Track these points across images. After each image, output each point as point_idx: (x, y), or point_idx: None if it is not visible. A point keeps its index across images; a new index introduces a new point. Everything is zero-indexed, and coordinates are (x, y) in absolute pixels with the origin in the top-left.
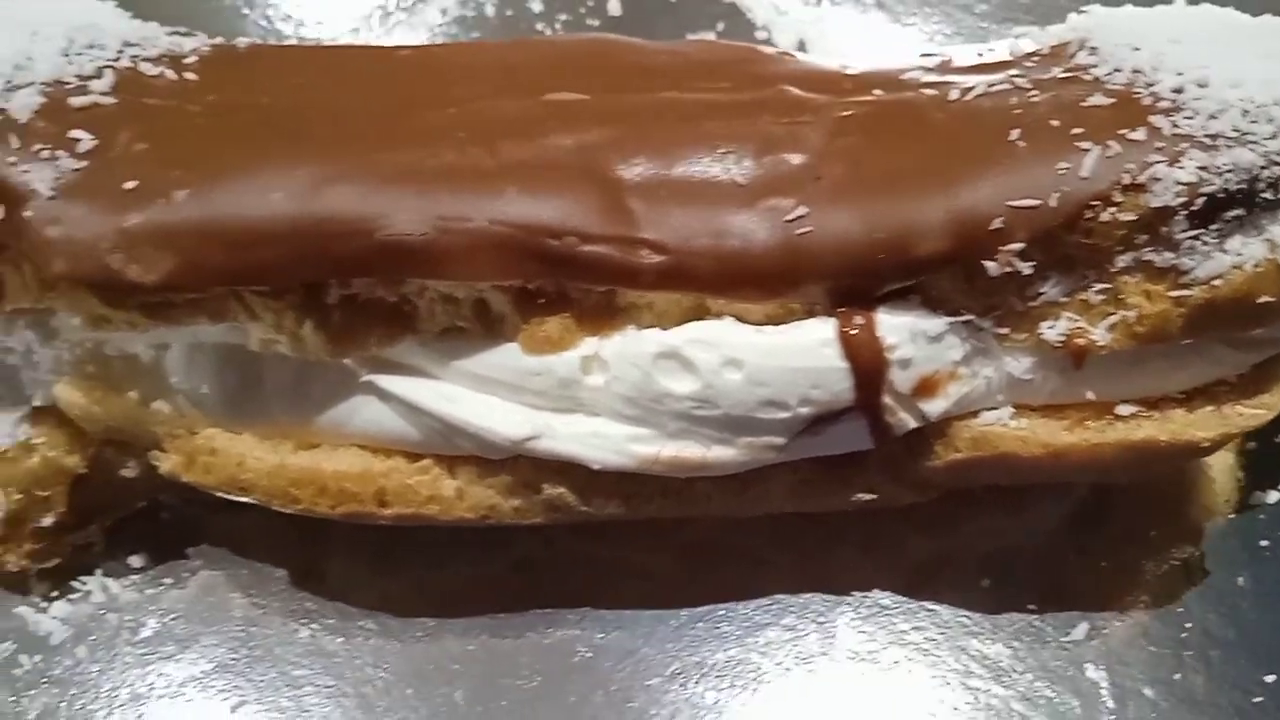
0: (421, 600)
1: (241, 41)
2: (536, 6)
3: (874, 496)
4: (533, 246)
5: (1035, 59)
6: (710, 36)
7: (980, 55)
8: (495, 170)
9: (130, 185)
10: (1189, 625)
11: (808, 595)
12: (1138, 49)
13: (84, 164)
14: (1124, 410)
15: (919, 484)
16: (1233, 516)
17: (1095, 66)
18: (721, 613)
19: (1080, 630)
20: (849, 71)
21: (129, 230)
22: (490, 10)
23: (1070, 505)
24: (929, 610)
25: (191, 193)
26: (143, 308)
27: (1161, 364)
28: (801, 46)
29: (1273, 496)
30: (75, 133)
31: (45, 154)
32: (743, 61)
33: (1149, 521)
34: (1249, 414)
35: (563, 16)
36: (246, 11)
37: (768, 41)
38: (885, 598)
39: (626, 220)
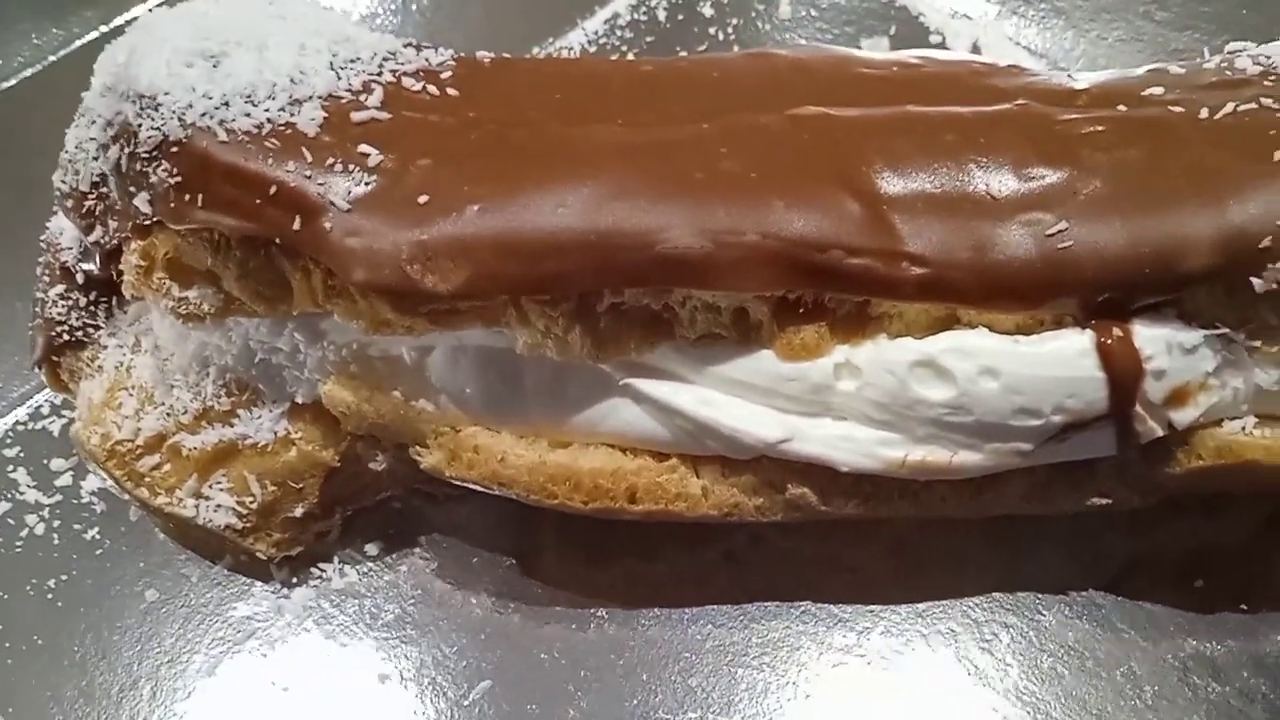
0: (636, 591)
1: (482, 55)
2: (707, 11)
3: (1108, 501)
4: (800, 259)
5: (1271, 79)
6: (883, 40)
7: (1207, 74)
8: (760, 184)
9: (423, 199)
10: None
11: (1023, 594)
12: None
13: (375, 178)
14: None
15: (1149, 489)
16: None
17: None
18: (939, 610)
19: None
20: (1079, 87)
21: (426, 242)
22: (662, 14)
23: (1269, 508)
24: (1143, 608)
25: (483, 207)
26: (429, 314)
27: None
28: (976, 50)
29: None
30: (362, 147)
31: (338, 167)
32: (974, 74)
33: None
34: None
35: (734, 20)
36: None
37: (941, 45)
38: (1099, 596)
39: (888, 233)
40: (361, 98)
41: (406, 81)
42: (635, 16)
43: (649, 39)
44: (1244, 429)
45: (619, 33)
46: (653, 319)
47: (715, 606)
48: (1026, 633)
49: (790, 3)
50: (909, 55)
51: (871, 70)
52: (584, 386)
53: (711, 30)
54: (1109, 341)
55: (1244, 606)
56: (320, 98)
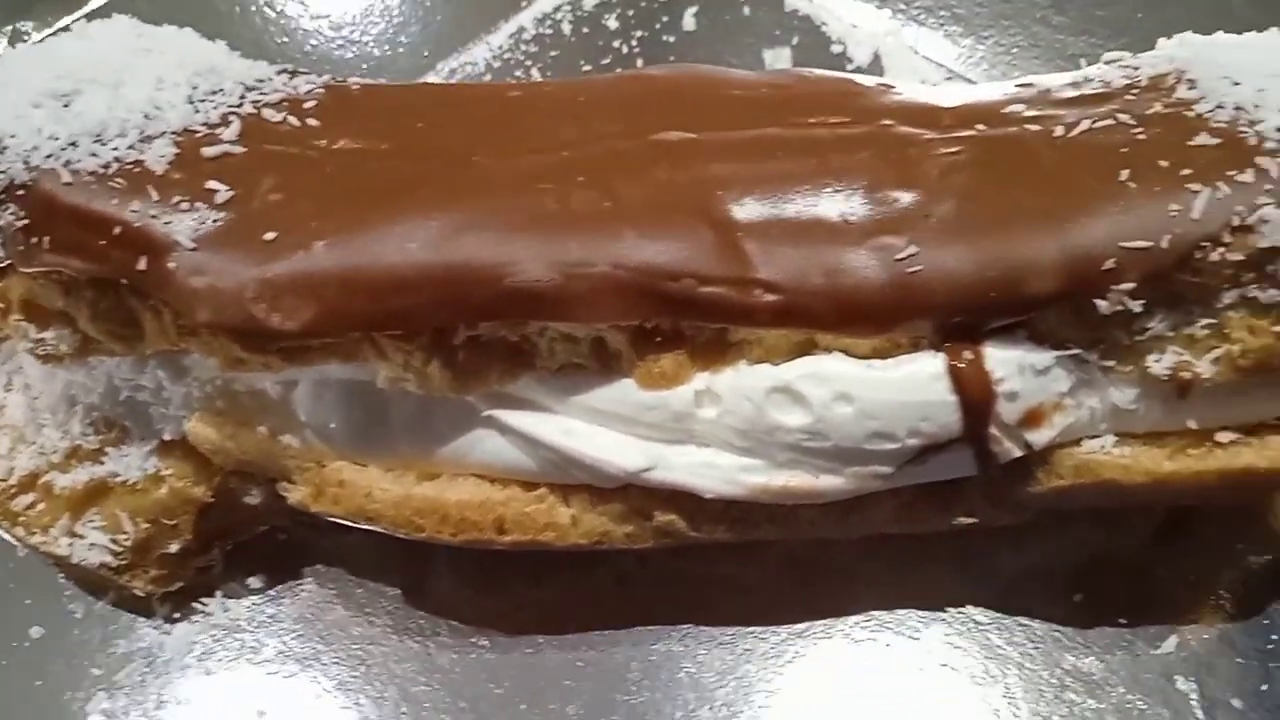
0: (524, 616)
1: (354, 82)
2: (612, 24)
3: (974, 520)
4: (652, 289)
5: (1135, 92)
6: (785, 51)
7: (1077, 86)
8: (614, 213)
9: (270, 236)
10: (1274, 637)
11: (903, 611)
12: (1237, 84)
13: (222, 215)
14: (1224, 437)
15: (1018, 506)
16: None
17: (1196, 103)
18: (820, 629)
19: (1170, 643)
20: (947, 105)
21: (271, 280)
22: (566, 28)
23: (1157, 518)
24: (1022, 625)
25: (330, 243)
26: (280, 352)
27: (1264, 392)
28: (876, 59)
29: None
30: (211, 183)
31: (184, 205)
32: (841, 95)
33: (1235, 533)
34: None
35: (639, 33)
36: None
37: (843, 55)
38: (979, 613)
39: (741, 261)
40: (218, 131)
41: (267, 113)
42: (540, 30)
43: (554, 53)
44: (1103, 448)
45: (524, 47)
46: (514, 350)
47: (600, 630)
48: (904, 652)
49: (694, 15)
50: (783, 74)
51: (741, 91)
52: (449, 418)
53: (616, 44)
54: (960, 365)
55: (1123, 621)
56: (174, 133)
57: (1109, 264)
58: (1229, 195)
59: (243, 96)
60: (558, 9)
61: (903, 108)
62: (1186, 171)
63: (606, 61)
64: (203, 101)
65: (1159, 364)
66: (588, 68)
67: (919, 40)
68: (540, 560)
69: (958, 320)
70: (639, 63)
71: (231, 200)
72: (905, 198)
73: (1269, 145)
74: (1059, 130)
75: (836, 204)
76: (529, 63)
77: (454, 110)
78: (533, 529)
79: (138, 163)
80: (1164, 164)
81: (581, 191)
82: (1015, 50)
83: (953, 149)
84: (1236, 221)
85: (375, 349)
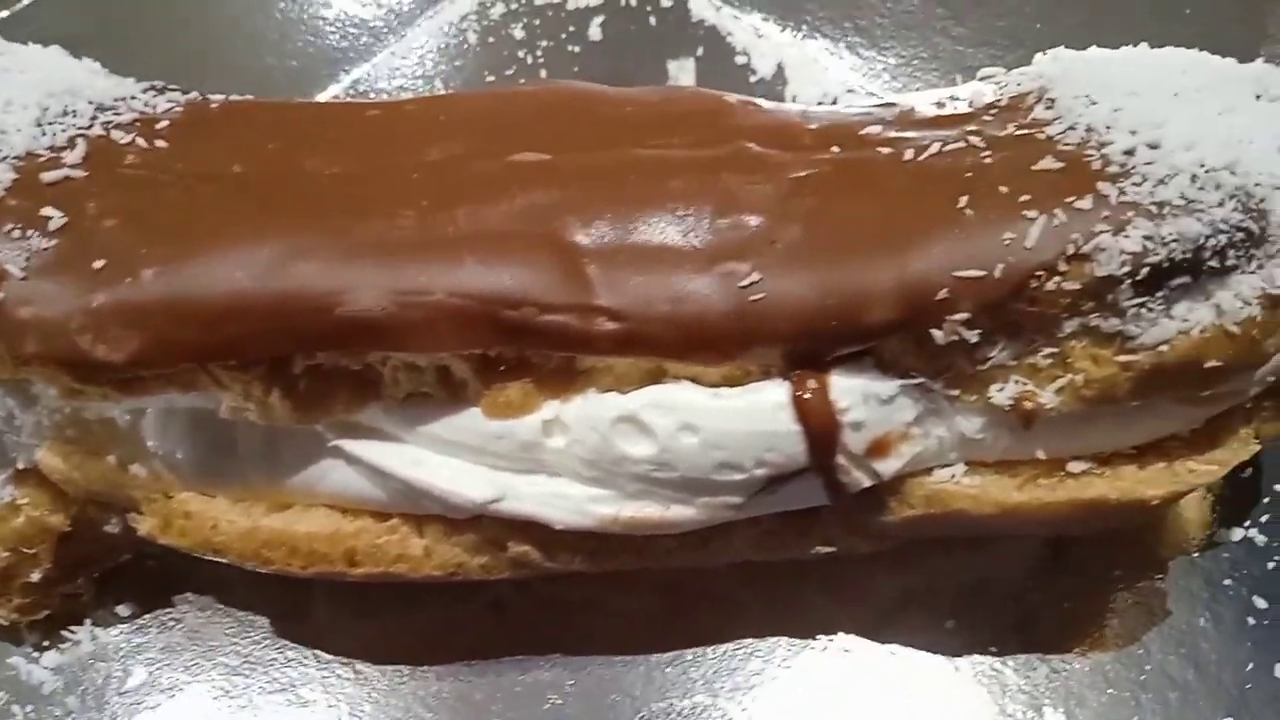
0: (399, 642)
1: (214, 99)
2: (518, 34)
3: (833, 549)
4: (491, 317)
5: (994, 112)
6: (689, 63)
7: (940, 106)
8: (455, 239)
9: (99, 264)
10: (1148, 667)
11: (774, 639)
12: (1095, 103)
13: (54, 242)
14: (1075, 467)
15: (876, 535)
16: (1196, 555)
17: (1050, 124)
18: (690, 658)
19: (1041, 673)
20: (811, 126)
21: (96, 310)
22: (473, 37)
23: (1035, 542)
24: (891, 654)
25: (158, 271)
26: (113, 383)
27: (1112, 422)
28: (780, 71)
29: (1237, 534)
30: (46, 210)
31: (16, 234)
32: (706, 114)
33: (1113, 560)
34: (1201, 470)
35: (544, 43)
36: None
37: (747, 66)
38: (850, 640)
39: (583, 288)
40: (61, 155)
41: (116, 134)
42: (446, 40)
43: (458, 63)
44: (953, 477)
45: (429, 57)
46: (358, 380)
47: (470, 660)
48: (773, 682)
49: (600, 25)
50: (653, 92)
51: (608, 109)
52: (298, 448)
53: (520, 54)
54: (804, 394)
55: (993, 649)
56: (16, 158)
57: (943, 293)
58: (1065, 223)
59: (94, 118)
60: (464, 19)
61: (763, 128)
62: (1025, 198)
63: (511, 72)
64: (51, 124)
65: (1002, 393)
66: (491, 78)
67: (822, 52)
68: (420, 585)
69: (803, 349)
70: (543, 73)
71: (65, 227)
72: (752, 222)
73: (1111, 170)
74: (909, 153)
75: (684, 229)
76: (433, 74)
77: (311, 130)
78: (385, 560)
79: None
80: (1004, 190)
81: (425, 216)
82: (916, 62)
83: (804, 171)
84: (1072, 250)
85: (212, 379)
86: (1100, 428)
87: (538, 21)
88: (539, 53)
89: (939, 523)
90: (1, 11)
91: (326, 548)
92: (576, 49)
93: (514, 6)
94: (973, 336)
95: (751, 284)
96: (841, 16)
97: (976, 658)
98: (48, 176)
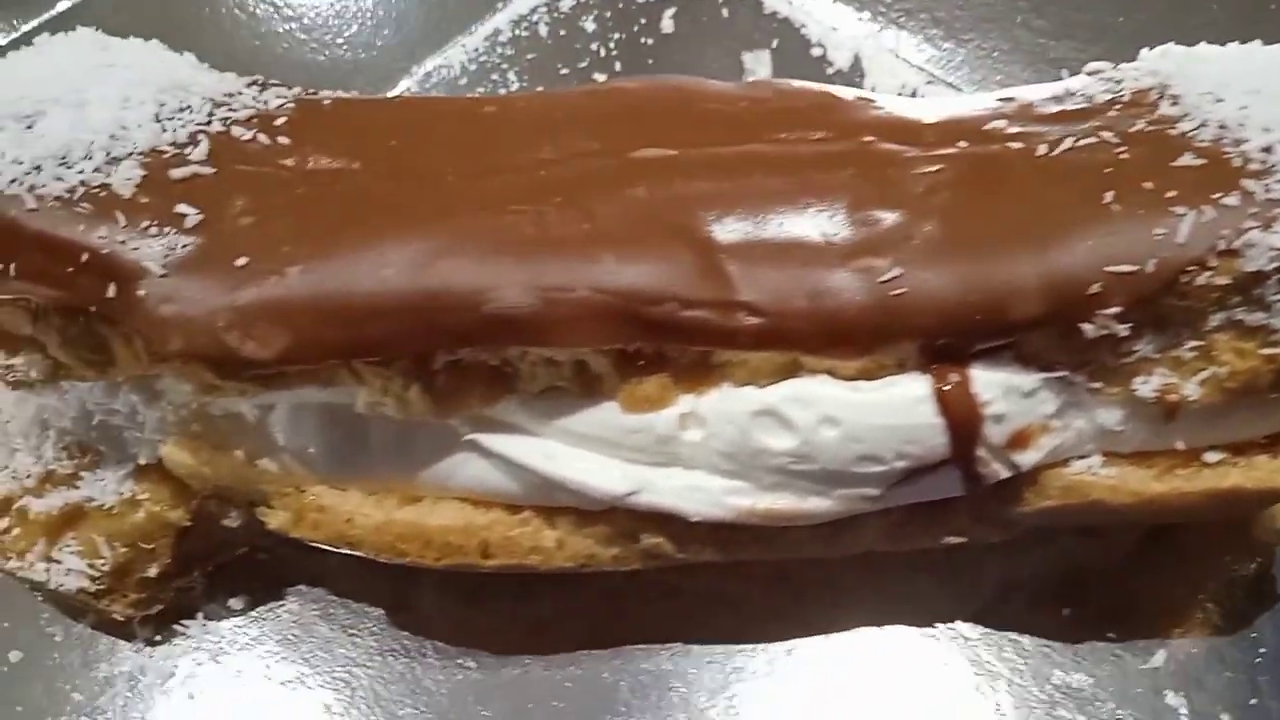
0: (511, 634)
1: (325, 95)
2: (589, 26)
3: (963, 539)
4: (633, 313)
5: (1118, 108)
6: (764, 54)
7: (1060, 100)
8: (592, 235)
9: (241, 261)
10: (1263, 650)
11: (892, 628)
12: (1220, 100)
13: (192, 239)
14: (1211, 457)
15: (1007, 525)
16: None
17: (1179, 121)
18: (810, 648)
19: (1159, 657)
20: (928, 120)
21: (244, 308)
22: (544, 30)
23: (1142, 529)
24: (1011, 640)
25: (304, 269)
26: (254, 378)
27: (1250, 413)
28: (858, 62)
29: None
30: (180, 207)
31: (153, 230)
32: (821, 109)
33: (1221, 545)
34: None
35: (616, 35)
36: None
37: (823, 58)
38: (967, 628)
39: (723, 283)
40: (186, 151)
41: (236, 130)
42: (517, 33)
43: (530, 55)
44: (1090, 468)
45: (500, 49)
46: (495, 374)
47: (588, 649)
48: (893, 671)
49: (672, 18)
50: (761, 86)
51: (718, 105)
52: (431, 442)
53: (593, 46)
54: (946, 387)
55: (1111, 635)
56: (141, 154)
57: (1094, 288)
58: (1214, 218)
59: (211, 114)
60: (534, 10)
61: (884, 123)
62: (1171, 194)
63: (584, 64)
64: (170, 120)
65: (1145, 386)
66: (565, 70)
67: (899, 43)
68: (527, 575)
69: (943, 342)
70: (616, 65)
71: (201, 224)
72: (888, 218)
73: (1253, 166)
74: (1042, 149)
75: (819, 224)
76: (505, 66)
77: (427, 127)
78: (518, 553)
79: (104, 186)
80: (1149, 185)
81: (559, 213)
82: (996, 54)
83: (934, 167)
84: (1222, 245)
85: (353, 374)
86: (1237, 418)
87: (609, 14)
88: (611, 45)
89: (1073, 513)
90: (62, 3)
91: (461, 540)
92: (649, 41)
93: None
94: (1123, 330)
95: (892, 279)
96: (918, 8)
97: (1095, 644)
98: (176, 173)
